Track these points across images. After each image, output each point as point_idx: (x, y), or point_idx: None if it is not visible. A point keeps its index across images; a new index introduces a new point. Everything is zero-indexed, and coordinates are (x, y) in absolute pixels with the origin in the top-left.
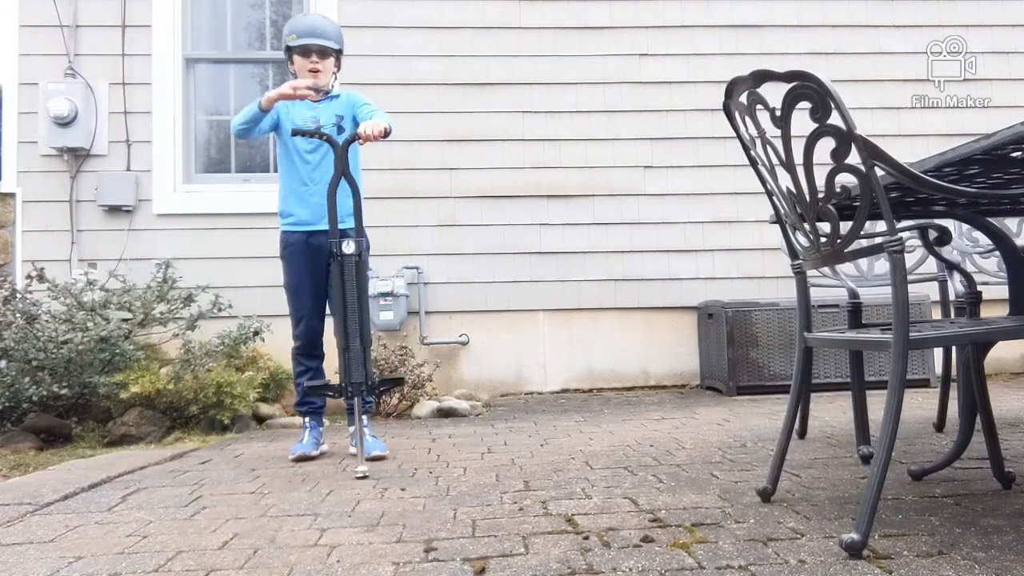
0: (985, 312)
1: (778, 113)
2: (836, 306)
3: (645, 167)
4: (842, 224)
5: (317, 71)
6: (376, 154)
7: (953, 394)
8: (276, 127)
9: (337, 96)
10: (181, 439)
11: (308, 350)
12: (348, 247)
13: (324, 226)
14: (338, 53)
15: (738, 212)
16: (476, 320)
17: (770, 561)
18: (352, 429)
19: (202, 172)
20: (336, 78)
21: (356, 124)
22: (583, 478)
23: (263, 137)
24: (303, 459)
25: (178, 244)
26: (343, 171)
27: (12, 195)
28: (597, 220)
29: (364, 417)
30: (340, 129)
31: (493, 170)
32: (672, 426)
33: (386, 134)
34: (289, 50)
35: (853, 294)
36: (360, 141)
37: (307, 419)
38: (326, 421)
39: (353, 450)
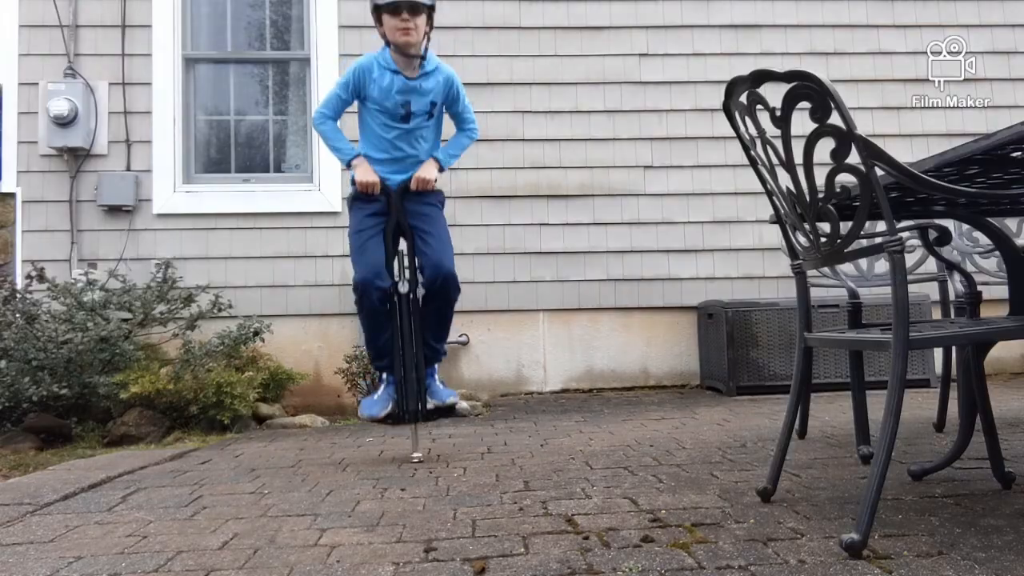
0: (985, 312)
1: (778, 113)
2: (836, 306)
3: (645, 167)
4: (842, 224)
5: (408, 29)
6: None
7: (953, 394)
8: (360, 99)
9: (435, 70)
10: (181, 439)
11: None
12: (403, 287)
13: (398, 177)
14: (430, 10)
15: (738, 212)
16: (476, 320)
17: (770, 561)
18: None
19: (202, 172)
20: (429, 39)
21: (443, 114)
22: (583, 478)
23: (263, 137)
24: (373, 420)
25: (178, 244)
26: (398, 218)
27: (12, 195)
28: (597, 220)
29: (436, 366)
30: (431, 116)
31: (493, 170)
32: (672, 426)
33: (440, 169)
34: (377, 8)
35: (853, 294)
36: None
37: (383, 375)
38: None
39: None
